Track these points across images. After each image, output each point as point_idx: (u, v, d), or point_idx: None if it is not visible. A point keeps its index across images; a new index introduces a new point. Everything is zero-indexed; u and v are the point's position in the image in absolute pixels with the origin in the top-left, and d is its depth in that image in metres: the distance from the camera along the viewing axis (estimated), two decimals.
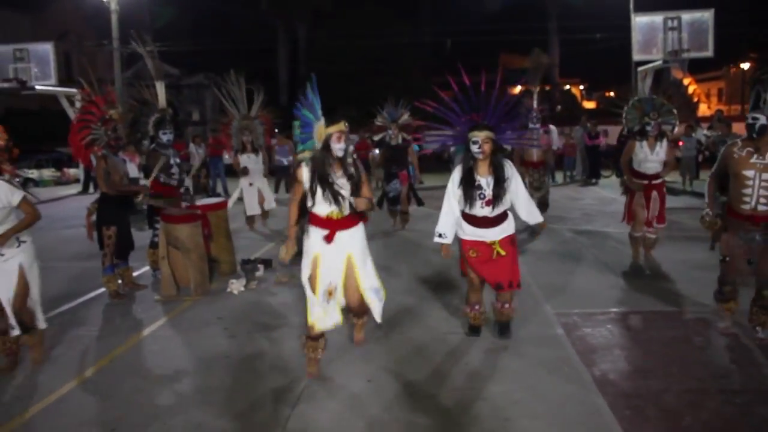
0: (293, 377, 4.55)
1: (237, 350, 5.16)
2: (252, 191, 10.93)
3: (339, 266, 4.42)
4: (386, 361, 4.81)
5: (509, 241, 4.89)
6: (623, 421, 3.74)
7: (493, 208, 4.76)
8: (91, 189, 19.49)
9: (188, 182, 7.89)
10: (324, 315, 4.39)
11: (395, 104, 10.86)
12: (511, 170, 4.79)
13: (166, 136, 7.21)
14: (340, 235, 4.39)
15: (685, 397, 4.06)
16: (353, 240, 4.47)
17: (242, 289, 6.94)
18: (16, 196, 4.67)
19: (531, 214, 4.99)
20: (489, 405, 4.03)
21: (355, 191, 4.37)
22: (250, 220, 11.06)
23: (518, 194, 4.86)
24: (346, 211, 4.36)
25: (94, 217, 6.73)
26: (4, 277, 4.74)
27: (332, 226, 4.35)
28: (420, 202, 11.51)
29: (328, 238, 4.34)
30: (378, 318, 4.73)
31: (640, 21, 18.09)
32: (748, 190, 4.79)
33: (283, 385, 4.41)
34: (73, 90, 19.95)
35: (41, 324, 5.06)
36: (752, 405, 3.92)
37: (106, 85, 6.62)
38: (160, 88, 7.50)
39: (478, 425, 3.78)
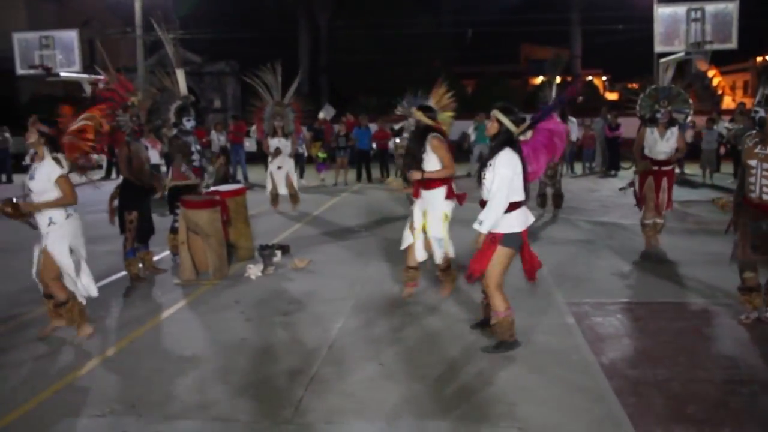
0: (307, 360, 4.67)
1: (253, 333, 5.30)
2: (281, 174, 11.61)
3: (419, 216, 5.96)
4: (398, 346, 4.91)
5: (489, 239, 4.64)
6: (628, 407, 3.82)
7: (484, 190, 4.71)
8: (113, 174, 19.76)
9: (211, 169, 8.03)
10: (406, 239, 6.08)
11: (414, 94, 10.88)
12: (499, 160, 4.52)
13: (189, 123, 7.35)
14: (422, 193, 5.91)
15: (691, 386, 4.12)
16: (427, 199, 5.89)
17: (260, 274, 7.08)
18: (55, 173, 4.90)
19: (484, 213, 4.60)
20: (496, 390, 4.12)
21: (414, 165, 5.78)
22: (275, 199, 11.64)
23: (490, 187, 4.56)
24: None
25: (116, 202, 6.89)
26: (35, 252, 5.12)
27: (416, 186, 5.96)
28: None
29: (414, 194, 6.01)
30: (437, 260, 6.05)
31: (662, 12, 17.88)
32: (753, 179, 5.06)
33: (297, 368, 4.53)
34: (98, 77, 20.24)
35: (80, 297, 5.29)
36: (757, 395, 3.98)
37: (119, 73, 6.73)
38: (181, 76, 7.63)
39: (485, 409, 3.87)
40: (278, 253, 7.67)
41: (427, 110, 5.94)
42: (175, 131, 7.55)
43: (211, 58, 32.42)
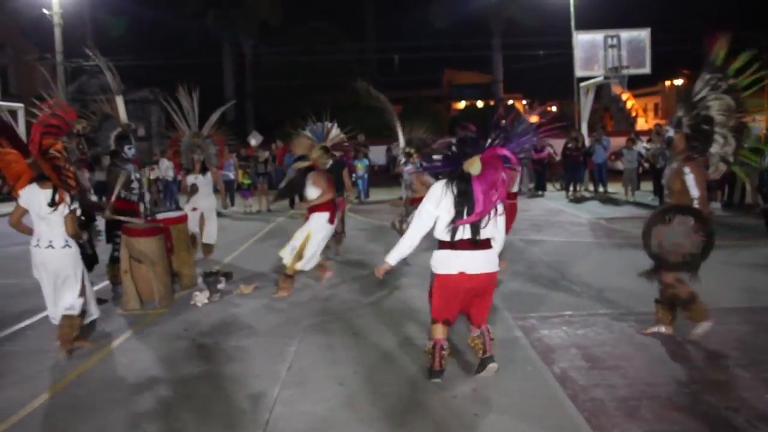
0: (268, 384, 4.66)
1: (209, 360, 5.24)
2: (194, 216, 9.48)
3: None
4: (356, 366, 4.97)
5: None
6: (584, 412, 4.01)
7: None
8: None
9: (148, 196, 7.89)
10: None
11: (317, 120, 9.26)
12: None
13: (131, 151, 7.24)
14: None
15: (640, 388, 4.36)
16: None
17: (206, 301, 6.99)
18: None
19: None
20: (458, 403, 4.24)
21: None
22: (193, 241, 9.28)
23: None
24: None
25: None
26: None
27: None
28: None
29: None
30: (284, 261, 7.26)
31: (581, 39, 18.83)
32: None
33: (259, 391, 4.52)
34: (16, 104, 19.50)
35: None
36: (701, 393, 4.25)
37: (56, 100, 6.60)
38: (120, 103, 7.53)
39: (450, 421, 3.98)
40: (222, 279, 7.60)
41: (326, 150, 7.31)
42: (113, 159, 7.42)
43: (133, 86, 31.80)
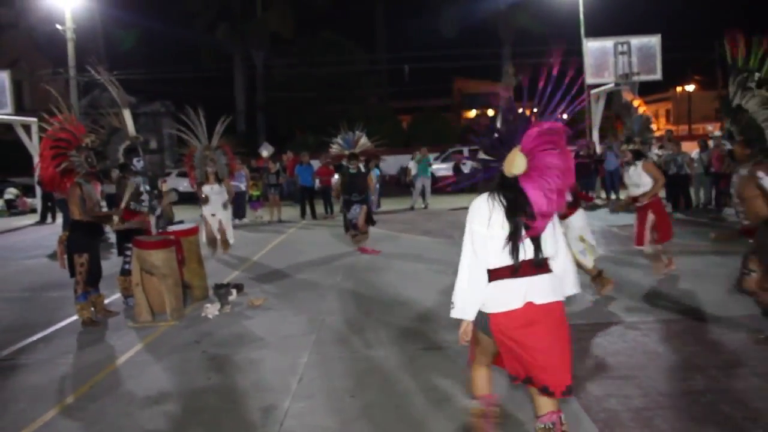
0: (278, 396, 4.64)
1: (218, 372, 5.23)
2: (214, 221, 10.86)
3: None
4: (366, 377, 4.94)
5: None
6: (598, 422, 3.95)
7: None
8: (49, 219, 19.16)
9: (158, 209, 7.91)
10: None
11: (348, 129, 11.02)
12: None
13: (140, 164, 7.28)
14: None
15: (654, 398, 4.30)
16: None
17: (217, 313, 6.99)
18: None
19: None
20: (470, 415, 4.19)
21: None
22: (212, 243, 10.89)
23: None
24: None
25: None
26: None
27: None
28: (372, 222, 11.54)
29: None
30: None
31: (591, 46, 18.79)
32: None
33: (269, 404, 4.50)
34: (30, 119, 19.71)
35: None
36: (717, 403, 4.18)
37: (65, 114, 6.68)
38: (128, 116, 7.57)
39: None
40: (233, 291, 7.60)
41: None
42: (122, 172, 7.46)
43: (146, 99, 32.09)
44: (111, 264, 7.70)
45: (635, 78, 18.34)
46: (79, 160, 6.45)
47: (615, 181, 17.76)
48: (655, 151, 16.59)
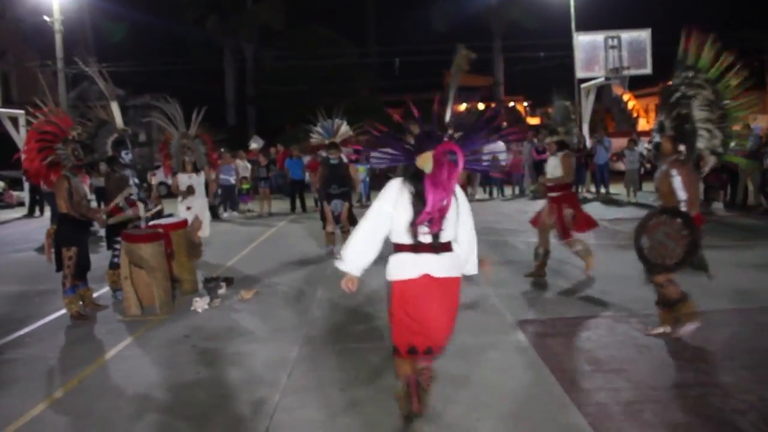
0: (268, 390, 4.62)
1: (208, 366, 5.20)
2: (189, 216, 9.19)
3: None
4: (356, 371, 4.93)
5: None
6: (588, 417, 3.96)
7: None
8: (37, 212, 19.02)
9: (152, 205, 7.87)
10: None
11: (327, 117, 10.31)
12: None
13: (128, 156, 7.23)
14: None
15: (644, 391, 4.31)
16: None
17: (206, 306, 6.96)
18: None
19: None
20: (460, 408, 4.19)
21: None
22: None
23: None
24: None
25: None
26: None
27: None
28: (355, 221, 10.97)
29: None
30: None
31: (582, 40, 18.81)
32: None
33: (259, 398, 4.48)
34: (17, 111, 19.53)
35: None
36: (706, 396, 4.20)
37: (50, 107, 6.60)
38: (115, 109, 7.51)
39: (452, 425, 3.94)
40: (223, 285, 7.58)
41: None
42: (111, 165, 7.41)
43: (135, 91, 31.87)
44: (100, 257, 7.64)
45: (625, 72, 18.37)
46: (66, 153, 6.39)
47: (605, 175, 17.82)
48: (645, 146, 16.68)
